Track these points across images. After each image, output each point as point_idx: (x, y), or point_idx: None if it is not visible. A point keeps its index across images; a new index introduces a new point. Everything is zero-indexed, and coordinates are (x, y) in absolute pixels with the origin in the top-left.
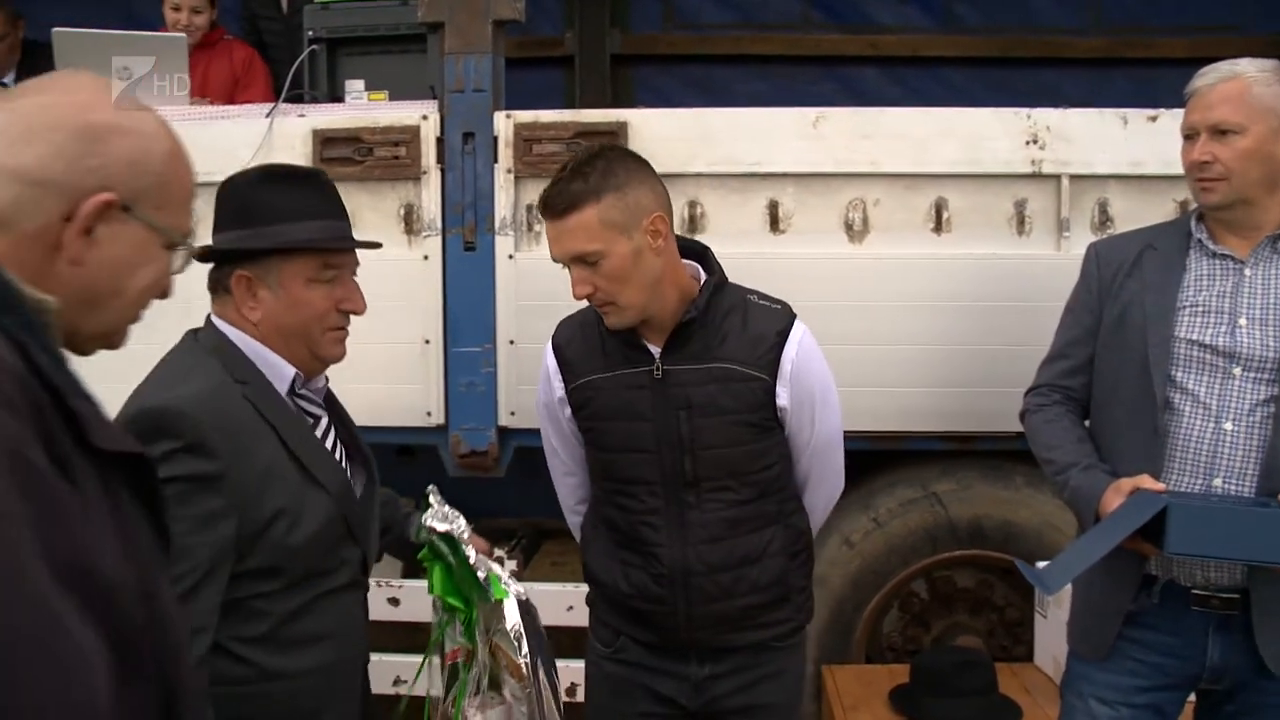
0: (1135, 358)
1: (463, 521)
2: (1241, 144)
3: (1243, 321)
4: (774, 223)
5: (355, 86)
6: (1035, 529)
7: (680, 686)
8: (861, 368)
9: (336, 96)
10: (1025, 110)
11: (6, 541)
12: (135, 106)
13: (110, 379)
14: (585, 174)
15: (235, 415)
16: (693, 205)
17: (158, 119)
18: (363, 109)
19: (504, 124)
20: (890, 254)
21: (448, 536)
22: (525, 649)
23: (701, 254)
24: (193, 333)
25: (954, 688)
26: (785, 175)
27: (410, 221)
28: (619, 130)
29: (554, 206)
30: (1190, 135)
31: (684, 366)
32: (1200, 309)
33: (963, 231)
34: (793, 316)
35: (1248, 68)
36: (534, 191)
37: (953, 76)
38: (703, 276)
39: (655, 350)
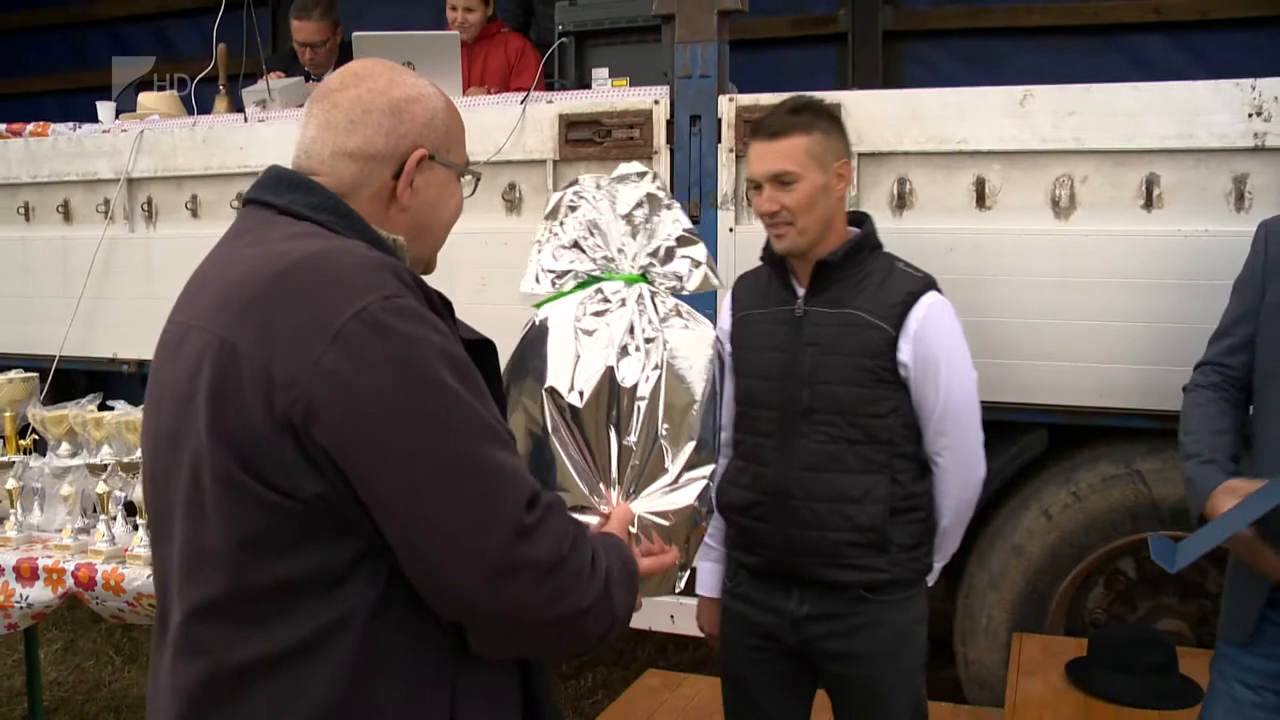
0: None
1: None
2: None
3: None
4: (980, 199)
5: (600, 74)
6: None
7: (780, 623)
8: (1066, 343)
9: (584, 84)
10: (1249, 81)
11: (463, 402)
12: (413, 76)
13: None
14: (800, 110)
15: None
16: (901, 182)
17: (430, 82)
18: (602, 95)
19: (727, 107)
20: (1097, 230)
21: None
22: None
23: (862, 221)
24: None
25: (1129, 664)
26: (992, 153)
27: None
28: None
29: (769, 129)
30: None
31: (821, 309)
32: None
33: (1175, 208)
34: (930, 284)
35: None
36: None
37: (1252, 40)
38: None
39: (801, 292)
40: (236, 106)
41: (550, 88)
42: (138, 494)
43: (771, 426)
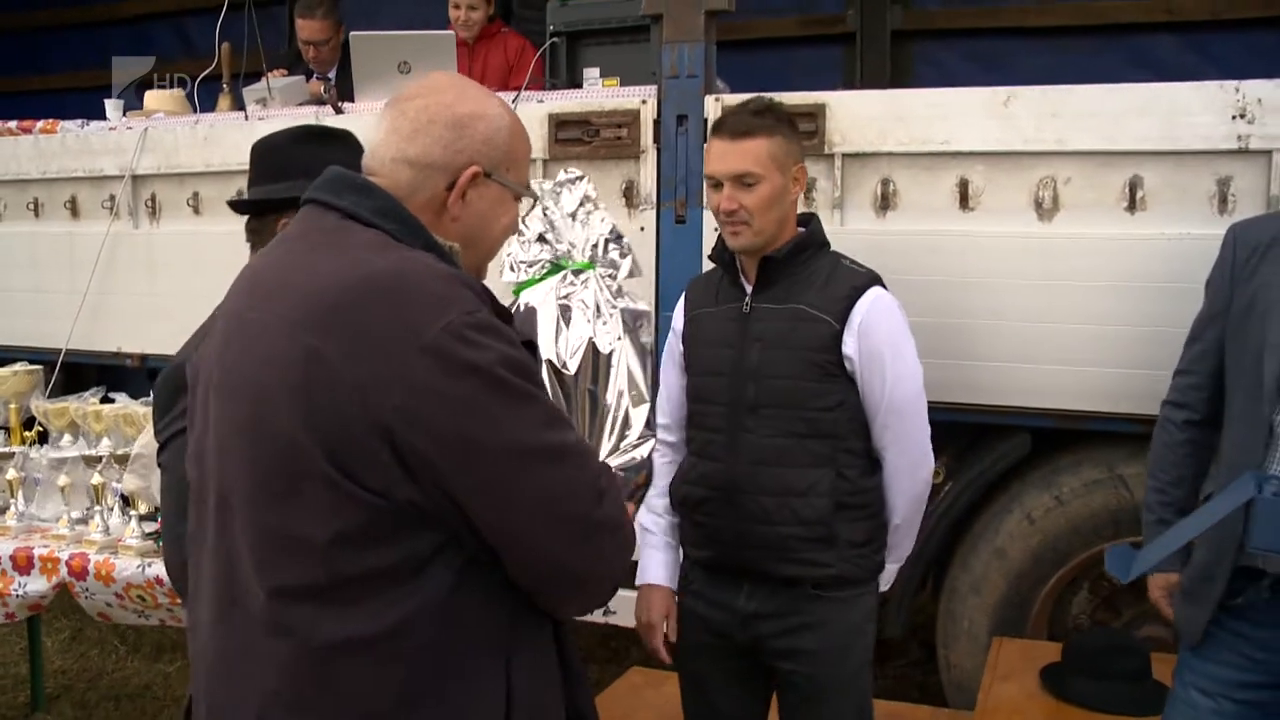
0: (1254, 345)
1: None
2: None
3: None
4: (964, 200)
5: (591, 74)
6: None
7: (731, 619)
8: (1049, 346)
9: (576, 83)
10: (1233, 83)
11: (537, 400)
12: (484, 94)
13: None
14: (763, 112)
15: None
16: (885, 183)
17: (500, 101)
18: (592, 95)
19: (713, 106)
20: (1081, 232)
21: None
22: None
23: (808, 220)
24: None
25: (1102, 670)
26: (975, 154)
27: (630, 196)
28: (818, 111)
29: (733, 129)
30: None
31: (767, 305)
32: None
33: (1158, 210)
34: (875, 279)
35: None
36: None
37: (1262, 41)
38: None
39: (749, 289)
40: (239, 104)
41: (542, 87)
42: (131, 485)
43: (720, 422)
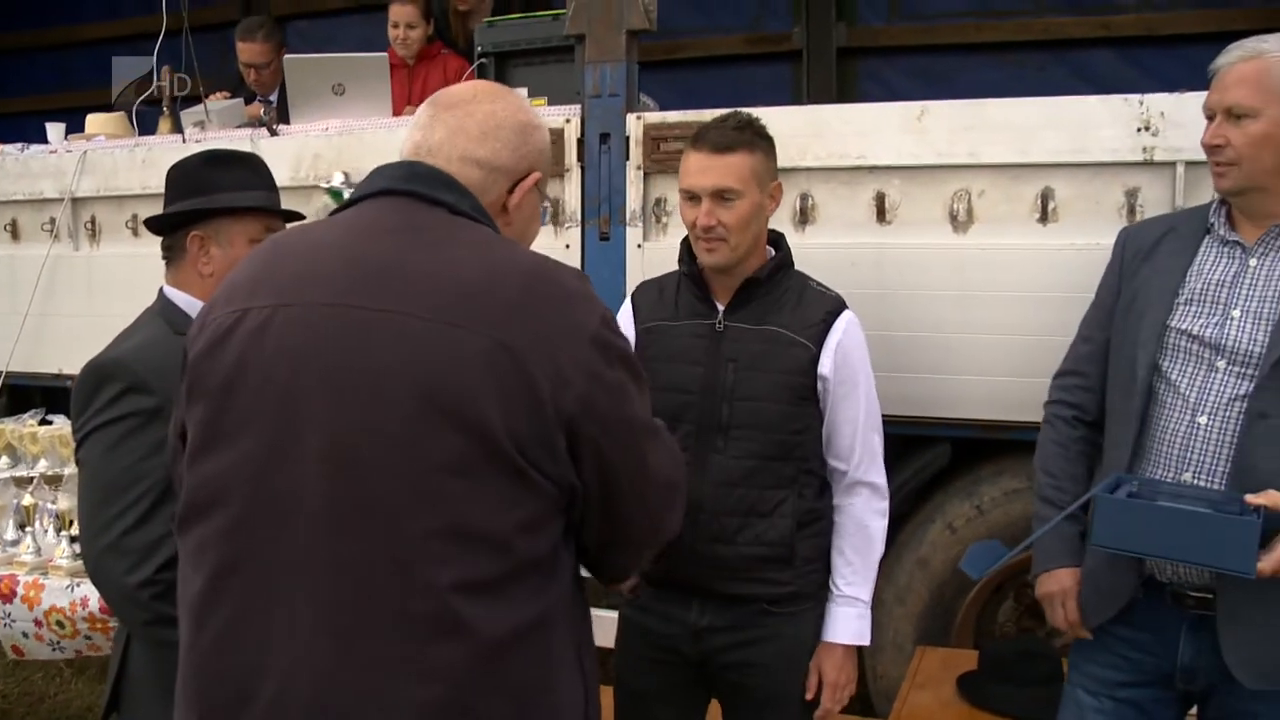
0: (1130, 343)
1: None
2: (1254, 128)
3: (1235, 313)
4: (881, 214)
5: (520, 94)
6: None
7: (681, 634)
8: (965, 356)
9: None
10: (1137, 96)
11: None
12: (529, 105)
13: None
14: (745, 127)
15: (173, 360)
16: (804, 198)
17: (539, 114)
18: None
19: (635, 125)
20: (995, 244)
21: None
22: None
23: (777, 240)
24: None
25: (1016, 676)
26: (891, 168)
27: (556, 214)
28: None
29: (715, 143)
30: (1210, 116)
31: (741, 325)
32: (1197, 298)
33: (1069, 221)
34: (843, 303)
35: (1274, 46)
36: (661, 187)
37: (1198, 55)
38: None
39: (720, 307)
40: (179, 127)
41: None
42: (64, 505)
43: (689, 442)
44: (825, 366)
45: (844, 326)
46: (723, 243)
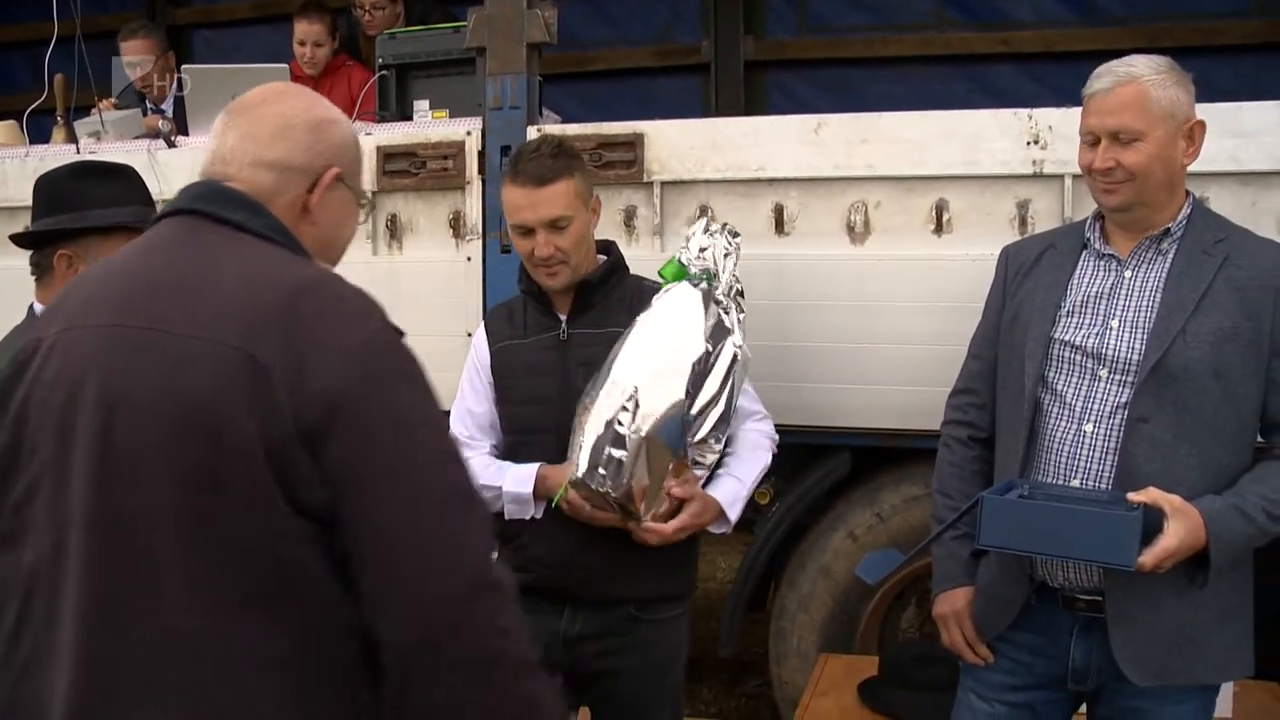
0: (1017, 354)
1: None
2: (1145, 149)
3: (1114, 323)
4: (779, 225)
5: (421, 106)
6: None
7: (552, 643)
8: (863, 366)
9: (407, 115)
10: (1026, 110)
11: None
12: (328, 102)
13: None
14: (558, 154)
15: None
16: (703, 210)
17: (339, 110)
18: (419, 127)
19: (536, 137)
20: (891, 255)
21: None
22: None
23: (608, 248)
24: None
25: (912, 681)
26: (789, 180)
27: (457, 227)
28: (636, 140)
29: (537, 175)
30: (1088, 139)
31: (585, 331)
32: (1077, 310)
33: (963, 232)
34: None
35: (1144, 69)
36: None
37: (1093, 70)
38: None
39: (562, 318)
40: (74, 138)
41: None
42: None
43: (551, 450)
44: None
45: None
46: (564, 265)
